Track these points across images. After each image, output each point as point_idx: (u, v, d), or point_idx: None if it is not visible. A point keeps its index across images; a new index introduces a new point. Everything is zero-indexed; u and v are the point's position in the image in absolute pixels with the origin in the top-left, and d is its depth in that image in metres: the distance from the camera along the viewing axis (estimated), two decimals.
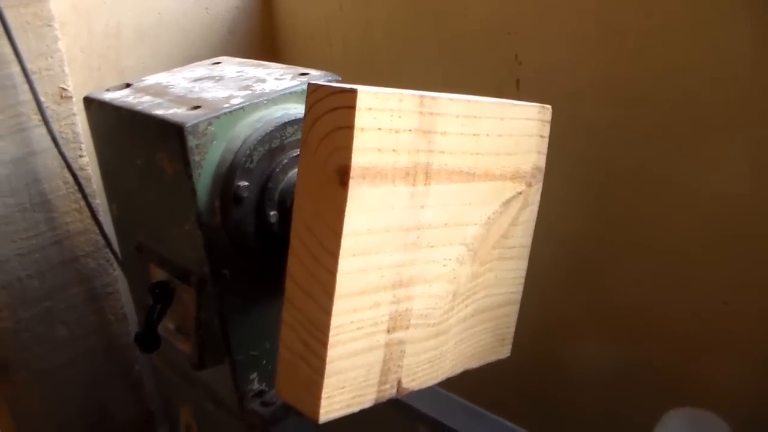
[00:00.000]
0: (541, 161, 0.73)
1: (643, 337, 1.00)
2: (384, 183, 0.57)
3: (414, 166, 0.59)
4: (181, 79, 0.88)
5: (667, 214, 0.92)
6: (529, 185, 0.72)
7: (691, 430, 0.71)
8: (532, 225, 0.75)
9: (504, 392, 1.06)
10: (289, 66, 0.89)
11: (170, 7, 1.15)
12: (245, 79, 0.85)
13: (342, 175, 0.55)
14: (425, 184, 0.60)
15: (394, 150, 0.57)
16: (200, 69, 0.93)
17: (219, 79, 0.87)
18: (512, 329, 0.79)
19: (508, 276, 0.75)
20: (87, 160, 1.10)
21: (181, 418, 1.04)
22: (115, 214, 0.93)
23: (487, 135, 0.65)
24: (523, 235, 0.74)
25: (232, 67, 0.92)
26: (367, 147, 0.55)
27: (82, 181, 1.09)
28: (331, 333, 0.57)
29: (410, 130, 0.58)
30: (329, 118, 0.55)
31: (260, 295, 0.82)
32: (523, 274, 0.77)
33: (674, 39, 0.85)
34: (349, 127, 0.54)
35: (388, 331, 0.62)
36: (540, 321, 1.05)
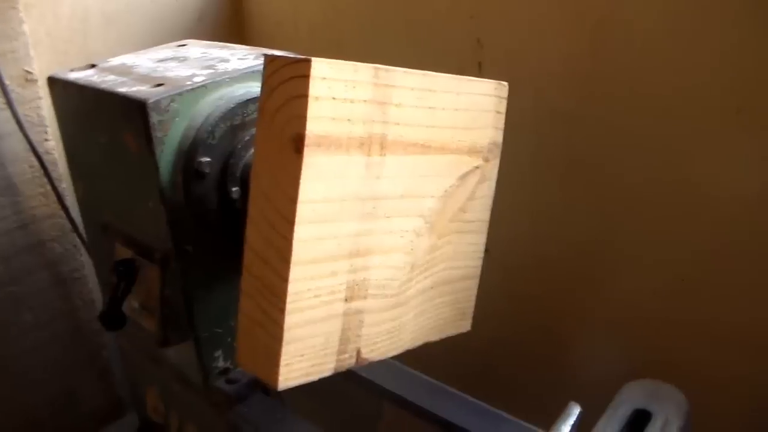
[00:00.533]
0: (498, 137, 0.74)
1: (608, 313, 1.02)
2: (339, 152, 0.58)
3: (369, 136, 0.60)
4: (145, 60, 0.89)
5: (628, 193, 0.95)
6: (486, 160, 0.73)
7: (649, 400, 0.72)
8: (489, 200, 0.76)
9: (468, 371, 1.08)
10: (254, 48, 0.90)
11: None
12: (209, 60, 0.85)
13: (297, 143, 0.56)
14: (381, 155, 0.61)
15: (348, 120, 0.58)
16: (165, 50, 0.93)
17: (183, 59, 0.87)
18: (472, 303, 0.80)
19: (467, 250, 0.76)
20: (53, 143, 1.10)
21: (147, 400, 1.04)
22: (81, 194, 0.93)
23: (443, 109, 0.66)
24: (480, 210, 0.76)
25: (197, 48, 0.93)
26: (321, 115, 0.56)
27: (48, 165, 1.09)
28: (289, 300, 0.58)
29: (365, 101, 0.59)
30: (285, 88, 0.56)
31: (224, 271, 0.83)
32: (482, 248, 0.78)
33: (634, 22, 0.87)
34: (304, 96, 0.55)
35: (346, 300, 0.63)
36: (502, 298, 1.07)
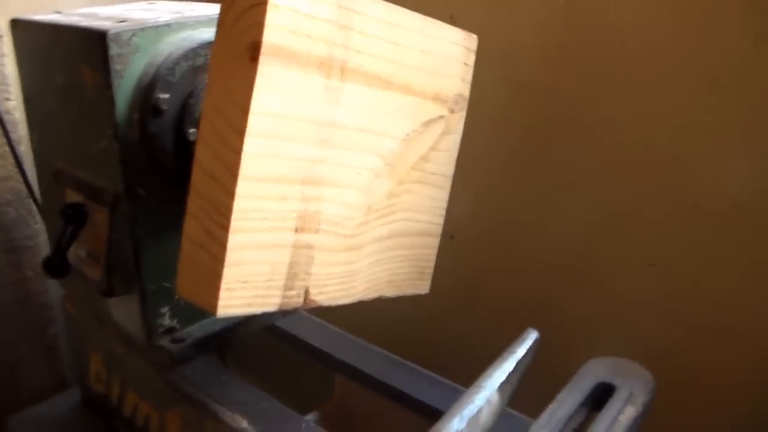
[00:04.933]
0: (465, 89, 0.73)
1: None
2: (297, 67, 0.56)
3: (329, 58, 0.58)
4: (113, 8, 0.87)
5: (596, 164, 0.94)
6: (452, 111, 0.72)
7: (614, 374, 0.69)
8: (454, 155, 0.75)
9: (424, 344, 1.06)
10: None
11: None
12: (178, 9, 0.84)
13: (253, 51, 0.54)
14: (340, 80, 0.60)
15: (309, 36, 0.57)
16: (135, 4, 0.92)
17: (151, 10, 0.86)
18: (432, 263, 0.78)
19: (428, 203, 0.74)
20: (14, 104, 1.08)
21: (90, 367, 1.00)
22: (35, 143, 0.91)
23: (409, 47, 0.65)
24: (444, 164, 0.74)
25: (168, 4, 0.92)
26: (280, 25, 0.54)
27: (8, 126, 1.06)
28: (234, 216, 0.56)
29: (327, 20, 0.58)
30: None
31: (177, 222, 0.79)
32: (444, 205, 0.76)
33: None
34: (263, 3, 0.53)
35: (296, 231, 0.61)
36: (458, 272, 1.05)
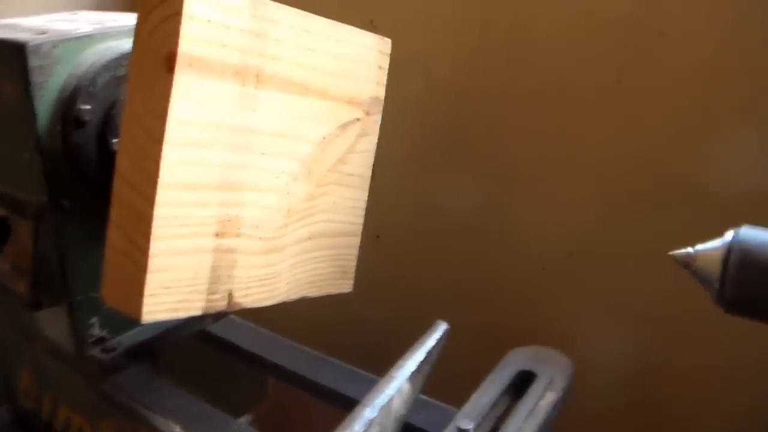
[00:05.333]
0: (380, 92, 0.76)
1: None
2: (212, 76, 0.58)
3: (244, 66, 0.60)
4: (34, 19, 0.87)
5: (509, 162, 0.98)
6: (368, 114, 0.75)
7: (534, 362, 0.72)
8: (371, 156, 0.77)
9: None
10: None
11: None
12: (99, 20, 0.85)
13: (169, 62, 0.56)
14: (256, 87, 0.62)
15: (223, 45, 0.58)
16: (57, 15, 0.92)
17: (73, 20, 0.86)
18: (353, 262, 0.80)
19: (347, 204, 0.76)
20: None
21: (20, 385, 0.99)
22: None
23: (323, 53, 0.67)
24: (361, 165, 0.76)
25: (90, 14, 0.92)
26: (195, 36, 0.56)
27: None
28: (155, 224, 0.57)
29: (241, 30, 0.59)
30: (161, 9, 0.57)
31: (102, 232, 0.80)
32: (363, 205, 0.79)
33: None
34: (177, 14, 0.55)
35: (217, 236, 0.63)
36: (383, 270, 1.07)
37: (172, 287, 0.60)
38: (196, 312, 0.63)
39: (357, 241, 0.80)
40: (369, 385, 0.82)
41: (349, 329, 1.13)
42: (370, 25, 0.99)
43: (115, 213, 0.60)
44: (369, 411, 0.54)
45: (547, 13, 0.90)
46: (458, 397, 0.68)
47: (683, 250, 0.53)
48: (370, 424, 0.54)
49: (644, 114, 0.86)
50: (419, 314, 1.12)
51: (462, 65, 0.98)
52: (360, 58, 0.72)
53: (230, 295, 0.66)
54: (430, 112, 1.02)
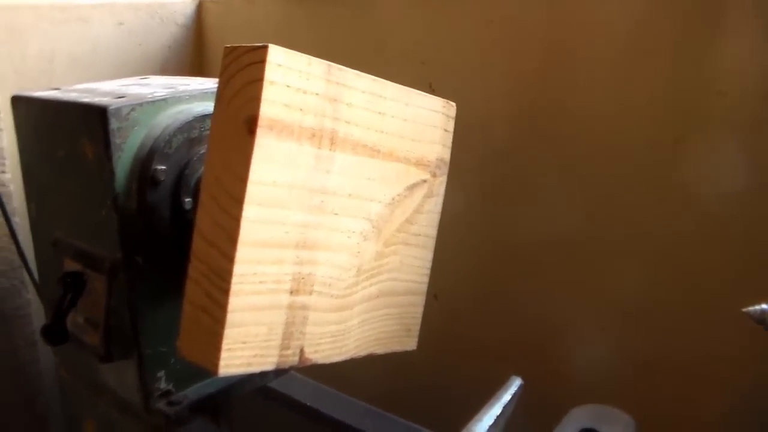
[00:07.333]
0: (446, 154, 0.78)
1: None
2: (290, 138, 0.60)
3: (320, 129, 0.63)
4: (109, 84, 0.92)
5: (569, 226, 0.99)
6: (434, 175, 0.76)
7: (597, 420, 0.72)
8: (437, 216, 0.79)
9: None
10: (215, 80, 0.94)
11: (104, 38, 1.20)
12: (171, 84, 0.89)
13: (250, 125, 0.58)
14: (330, 149, 0.64)
15: (301, 109, 0.61)
16: (130, 80, 0.97)
17: (146, 84, 0.91)
18: (418, 321, 0.81)
19: (413, 263, 0.78)
20: (9, 176, 1.11)
21: None
22: (33, 214, 0.94)
23: (392, 116, 0.70)
24: (427, 225, 0.78)
25: (160, 79, 0.96)
26: (275, 100, 0.59)
27: (2, 198, 1.09)
28: (234, 281, 0.59)
29: (317, 94, 0.62)
30: (242, 75, 0.59)
31: (173, 288, 0.82)
32: (428, 264, 0.80)
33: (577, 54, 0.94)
34: (259, 80, 0.58)
35: (291, 293, 0.64)
36: (443, 329, 1.07)
37: (248, 342, 0.62)
38: (269, 367, 0.65)
39: (422, 299, 0.81)
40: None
41: (405, 384, 1.13)
42: (429, 89, 1.02)
43: (194, 269, 0.62)
44: None
45: (604, 71, 0.91)
46: None
47: (758, 307, 0.53)
48: None
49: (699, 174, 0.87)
50: (476, 371, 1.14)
51: (518, 128, 1.00)
52: (427, 121, 0.74)
53: (302, 351, 0.67)
54: (486, 174, 1.04)
